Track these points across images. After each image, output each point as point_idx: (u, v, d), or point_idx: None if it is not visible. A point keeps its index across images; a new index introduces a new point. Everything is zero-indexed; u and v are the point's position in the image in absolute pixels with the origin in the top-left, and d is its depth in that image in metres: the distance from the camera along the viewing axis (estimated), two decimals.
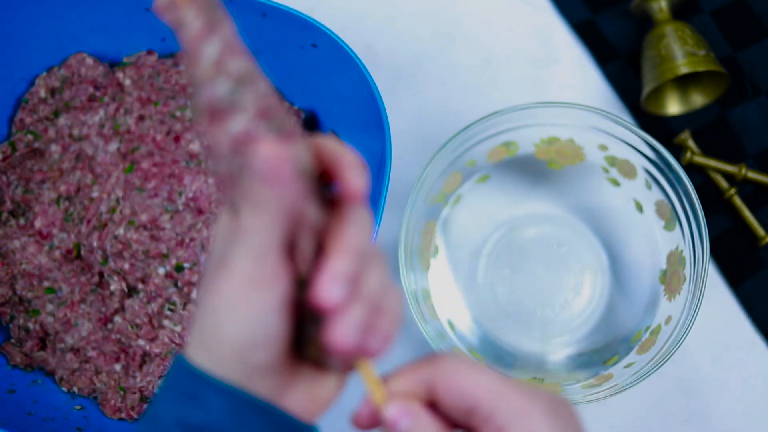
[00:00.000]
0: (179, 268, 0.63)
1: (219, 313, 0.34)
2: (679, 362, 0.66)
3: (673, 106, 0.69)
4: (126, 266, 0.64)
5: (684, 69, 0.65)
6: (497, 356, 0.64)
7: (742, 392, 0.66)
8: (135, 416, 0.62)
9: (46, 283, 0.64)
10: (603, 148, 0.64)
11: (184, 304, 0.63)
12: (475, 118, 0.63)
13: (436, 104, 0.70)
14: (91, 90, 0.66)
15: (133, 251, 0.63)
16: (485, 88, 0.70)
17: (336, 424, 0.65)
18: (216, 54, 0.32)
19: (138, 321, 0.63)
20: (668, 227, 0.63)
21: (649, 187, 0.64)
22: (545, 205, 0.67)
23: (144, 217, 0.64)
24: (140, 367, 0.63)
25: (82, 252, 0.65)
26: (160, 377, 0.63)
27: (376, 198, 0.57)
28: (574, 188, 0.66)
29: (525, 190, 0.67)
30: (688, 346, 0.66)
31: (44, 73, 0.67)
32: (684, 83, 0.69)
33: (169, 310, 0.63)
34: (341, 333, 0.33)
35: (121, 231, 0.64)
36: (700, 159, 0.68)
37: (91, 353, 0.63)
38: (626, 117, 0.70)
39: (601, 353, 0.64)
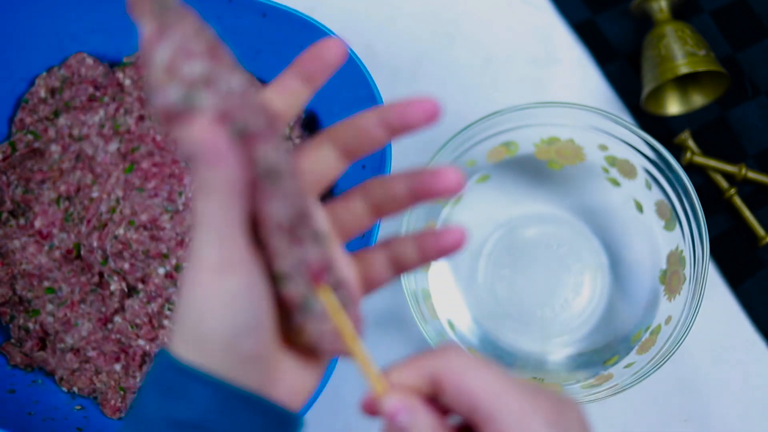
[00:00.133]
0: (179, 268, 0.63)
1: (197, 306, 0.33)
2: (679, 362, 0.66)
3: (673, 106, 0.69)
4: (126, 266, 0.64)
5: (684, 69, 0.65)
6: (497, 356, 0.64)
7: (742, 392, 0.66)
8: None
9: (46, 283, 0.64)
10: (603, 148, 0.64)
11: None
12: (475, 118, 0.63)
13: None
14: (91, 90, 0.66)
15: (133, 251, 0.63)
16: (485, 88, 0.70)
17: (336, 424, 0.65)
18: (166, 59, 0.32)
19: (138, 321, 0.63)
20: (668, 227, 0.63)
21: (649, 187, 0.64)
22: (545, 205, 0.67)
23: (144, 217, 0.64)
24: (140, 367, 0.63)
25: (82, 252, 0.65)
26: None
27: None
28: (574, 188, 0.66)
29: (525, 190, 0.67)
30: (688, 346, 0.66)
31: (44, 73, 0.67)
32: (684, 83, 0.69)
33: (169, 310, 0.63)
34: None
35: (121, 231, 0.64)
36: (700, 159, 0.68)
37: (91, 353, 0.63)
38: (626, 117, 0.70)
39: (601, 353, 0.64)
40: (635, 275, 0.65)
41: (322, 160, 0.38)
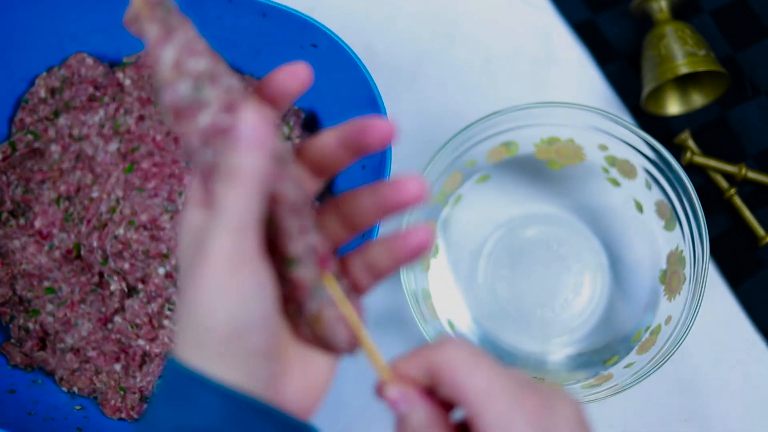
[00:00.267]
0: (179, 268, 0.63)
1: (205, 302, 0.33)
2: (679, 362, 0.66)
3: (673, 106, 0.69)
4: (126, 266, 0.64)
5: (684, 69, 0.65)
6: (497, 356, 0.64)
7: (742, 392, 0.66)
8: (135, 416, 0.62)
9: (46, 283, 0.64)
10: (603, 148, 0.64)
11: None
12: (475, 118, 0.63)
13: (436, 104, 0.70)
14: (91, 90, 0.66)
15: (133, 251, 0.63)
16: (485, 88, 0.70)
17: (337, 425, 0.65)
18: (173, 57, 0.34)
19: (138, 321, 0.63)
20: (668, 227, 0.63)
21: (649, 187, 0.64)
22: (545, 205, 0.67)
23: (144, 217, 0.64)
24: (140, 367, 0.63)
25: (82, 252, 0.65)
26: (160, 377, 0.63)
27: None
28: (574, 188, 0.66)
29: (525, 190, 0.67)
30: (688, 346, 0.66)
31: (44, 73, 0.67)
32: (684, 83, 0.69)
33: (169, 310, 0.63)
34: (427, 230, 0.36)
35: (121, 231, 0.64)
36: (700, 159, 0.68)
37: (91, 353, 0.63)
38: (626, 117, 0.70)
39: (601, 353, 0.64)
40: (635, 275, 0.65)
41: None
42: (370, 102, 0.58)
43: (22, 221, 0.66)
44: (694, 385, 0.66)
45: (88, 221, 0.65)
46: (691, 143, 0.68)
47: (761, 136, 0.69)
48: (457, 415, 0.36)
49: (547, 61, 0.71)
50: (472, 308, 0.66)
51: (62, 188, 0.66)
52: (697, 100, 0.69)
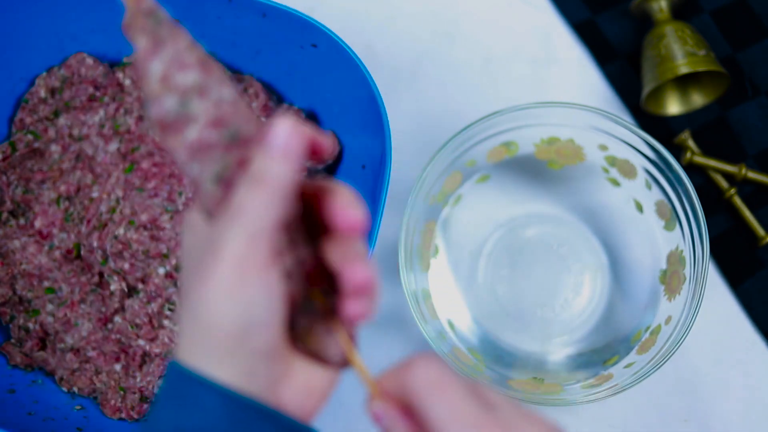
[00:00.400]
0: (179, 268, 0.63)
1: (211, 302, 0.33)
2: (679, 362, 0.66)
3: (673, 106, 0.69)
4: (126, 266, 0.64)
5: (684, 69, 0.65)
6: (497, 356, 0.64)
7: (742, 392, 0.66)
8: (135, 416, 0.62)
9: (46, 283, 0.64)
10: (603, 148, 0.64)
11: None
12: (475, 118, 0.63)
13: (436, 104, 0.70)
14: (91, 90, 0.66)
15: (133, 251, 0.63)
16: (485, 88, 0.70)
17: (336, 423, 0.65)
18: (161, 70, 0.34)
19: (138, 321, 0.63)
20: (668, 227, 0.63)
21: (649, 187, 0.64)
22: (545, 205, 0.67)
23: (144, 217, 0.64)
24: (140, 367, 0.63)
25: (82, 252, 0.65)
26: (160, 377, 0.63)
27: (376, 198, 0.57)
28: (574, 188, 0.66)
29: (525, 190, 0.67)
30: (688, 346, 0.66)
31: (44, 73, 0.67)
32: (684, 83, 0.69)
33: (169, 310, 0.63)
34: (365, 265, 0.35)
35: (121, 231, 0.64)
36: (700, 159, 0.68)
37: (91, 353, 0.63)
38: (626, 117, 0.70)
39: (601, 353, 0.64)
40: (635, 275, 0.65)
41: None
42: (370, 102, 0.58)
43: (22, 221, 0.66)
44: (694, 385, 0.66)
45: (88, 221, 0.65)
46: (691, 143, 0.68)
47: (761, 136, 0.69)
48: None
49: (547, 61, 0.71)
50: (472, 308, 0.66)
51: (62, 188, 0.66)
52: (697, 100, 0.69)
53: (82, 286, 0.64)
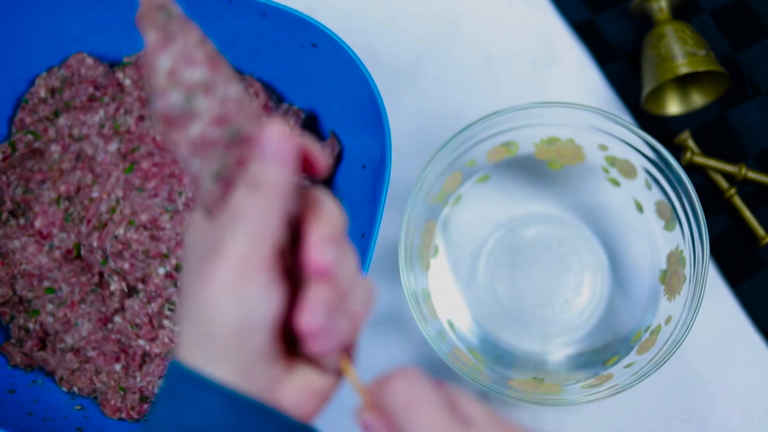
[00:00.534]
0: (179, 268, 0.63)
1: (211, 301, 0.34)
2: (679, 362, 0.66)
3: (673, 106, 0.69)
4: (126, 266, 0.64)
5: (684, 69, 0.65)
6: (497, 356, 0.64)
7: (742, 392, 0.66)
8: (135, 416, 0.62)
9: (46, 283, 0.64)
10: (603, 148, 0.64)
11: None
12: (475, 118, 0.63)
13: (436, 104, 0.70)
14: (91, 90, 0.66)
15: (133, 251, 0.63)
16: (485, 88, 0.70)
17: (336, 423, 0.65)
18: (169, 65, 0.34)
19: (138, 321, 0.63)
20: (668, 227, 0.63)
21: (649, 187, 0.64)
22: (545, 205, 0.67)
23: (144, 217, 0.64)
24: (140, 367, 0.63)
25: (82, 252, 0.65)
26: (160, 377, 0.63)
27: (376, 198, 0.57)
28: (574, 188, 0.66)
29: (525, 190, 0.67)
30: (688, 346, 0.66)
31: (44, 73, 0.67)
32: (684, 83, 0.69)
33: (169, 310, 0.63)
34: (309, 312, 0.34)
35: (121, 231, 0.64)
36: (700, 159, 0.68)
37: (91, 353, 0.63)
38: (626, 117, 0.70)
39: (601, 353, 0.64)
40: (635, 275, 0.65)
41: None
42: (370, 102, 0.58)
43: (22, 221, 0.66)
44: (694, 385, 0.66)
45: (88, 221, 0.65)
46: (691, 143, 0.68)
47: (761, 136, 0.69)
48: None
49: (547, 61, 0.71)
50: (472, 308, 0.66)
51: (62, 188, 0.66)
52: (697, 100, 0.69)
53: (82, 286, 0.64)
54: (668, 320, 0.61)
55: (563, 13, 0.72)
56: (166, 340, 0.63)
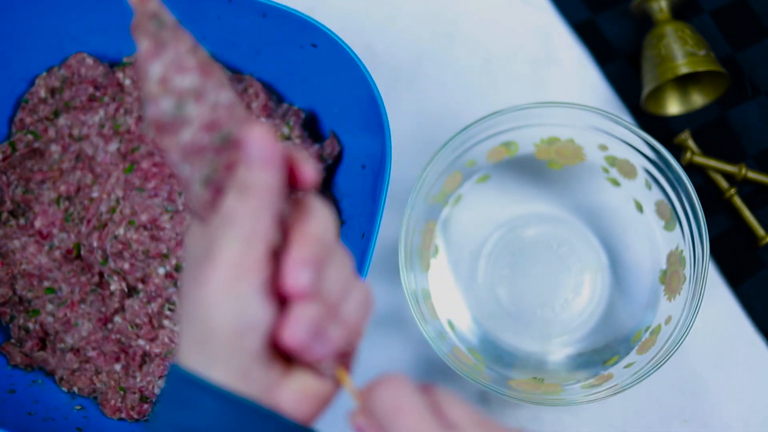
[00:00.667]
0: (179, 268, 0.63)
1: (207, 303, 0.34)
2: (679, 362, 0.66)
3: (673, 106, 0.69)
4: (126, 266, 0.64)
5: (684, 69, 0.65)
6: (497, 356, 0.64)
7: (742, 392, 0.66)
8: (135, 416, 0.62)
9: (46, 283, 0.64)
10: (603, 148, 0.64)
11: None
12: (475, 118, 0.63)
13: (436, 104, 0.70)
14: (91, 90, 0.66)
15: (133, 251, 0.63)
16: (485, 88, 0.70)
17: (336, 423, 0.65)
18: (160, 73, 0.34)
19: (138, 321, 0.63)
20: (668, 227, 0.63)
21: (649, 187, 0.64)
22: (545, 205, 0.67)
23: (144, 217, 0.64)
24: (140, 367, 0.63)
25: (82, 252, 0.65)
26: (160, 377, 0.63)
27: (376, 198, 0.57)
28: (574, 188, 0.66)
29: (525, 190, 0.67)
30: (688, 346, 0.66)
31: (44, 73, 0.67)
32: (684, 83, 0.69)
33: (169, 310, 0.63)
34: (291, 329, 0.34)
35: (121, 231, 0.64)
36: (700, 159, 0.68)
37: (91, 353, 0.63)
38: (626, 117, 0.70)
39: (601, 353, 0.64)
40: (635, 275, 0.65)
41: None
42: (370, 102, 0.58)
43: (22, 221, 0.66)
44: (694, 385, 0.66)
45: (88, 221, 0.65)
46: (691, 143, 0.68)
47: (761, 136, 0.69)
48: None
49: (547, 61, 0.71)
50: (472, 308, 0.66)
51: (62, 188, 0.66)
52: (697, 100, 0.69)
53: (82, 286, 0.64)
54: (668, 320, 0.61)
55: (563, 13, 0.72)
56: (166, 340, 0.63)
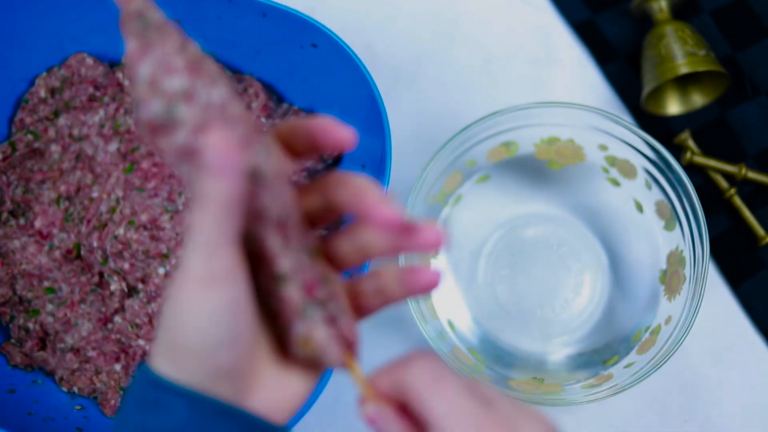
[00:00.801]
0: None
1: (176, 317, 0.33)
2: (679, 362, 0.66)
3: (673, 106, 0.69)
4: (126, 266, 0.64)
5: (684, 69, 0.65)
6: (497, 356, 0.64)
7: (742, 392, 0.66)
8: None
9: (46, 283, 0.64)
10: (603, 148, 0.64)
11: None
12: (475, 118, 0.63)
13: (436, 104, 0.70)
14: (91, 90, 0.67)
15: (133, 251, 0.63)
16: (485, 88, 0.71)
17: (336, 423, 0.65)
18: (149, 74, 0.34)
19: (138, 321, 0.63)
20: (668, 227, 0.63)
21: (649, 187, 0.64)
22: (545, 205, 0.67)
23: (144, 217, 0.64)
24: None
25: (82, 252, 0.65)
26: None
27: None
28: (574, 188, 0.66)
29: (525, 190, 0.67)
30: (688, 346, 0.66)
31: (44, 73, 0.67)
32: (684, 83, 0.69)
33: None
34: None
35: (121, 231, 0.64)
36: (700, 159, 0.68)
37: (91, 353, 0.63)
38: (626, 117, 0.70)
39: (601, 353, 0.64)
40: (635, 275, 0.65)
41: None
42: (370, 102, 0.58)
43: (22, 221, 0.66)
44: (694, 385, 0.66)
45: (88, 221, 0.65)
46: (691, 143, 0.68)
47: (761, 136, 0.69)
48: None
49: (547, 61, 0.71)
50: (472, 308, 0.66)
51: (62, 188, 0.66)
52: (697, 100, 0.69)
53: (82, 286, 0.64)
54: (668, 320, 0.61)
55: (563, 13, 0.72)
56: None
